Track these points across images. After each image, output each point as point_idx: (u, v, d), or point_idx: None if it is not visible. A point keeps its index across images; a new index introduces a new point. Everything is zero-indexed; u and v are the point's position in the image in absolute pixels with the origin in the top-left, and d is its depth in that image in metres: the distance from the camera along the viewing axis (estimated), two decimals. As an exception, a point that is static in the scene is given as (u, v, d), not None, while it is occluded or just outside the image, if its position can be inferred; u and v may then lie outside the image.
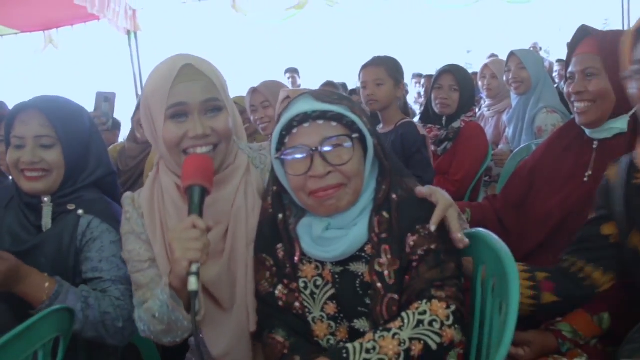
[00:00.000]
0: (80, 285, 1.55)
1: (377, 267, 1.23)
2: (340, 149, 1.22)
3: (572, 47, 1.78)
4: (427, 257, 1.21)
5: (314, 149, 1.21)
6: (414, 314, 1.14)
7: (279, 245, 1.33)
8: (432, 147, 2.94)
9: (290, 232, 1.32)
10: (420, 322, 1.13)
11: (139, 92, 6.86)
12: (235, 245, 1.39)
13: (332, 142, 1.22)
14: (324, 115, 1.22)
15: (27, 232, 1.64)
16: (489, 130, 3.81)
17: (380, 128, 2.84)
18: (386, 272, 1.22)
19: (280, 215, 1.33)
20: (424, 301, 1.15)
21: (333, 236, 1.26)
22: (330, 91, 1.34)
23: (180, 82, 1.31)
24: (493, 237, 1.26)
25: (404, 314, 1.15)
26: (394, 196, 1.27)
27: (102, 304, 1.48)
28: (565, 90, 1.79)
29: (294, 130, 1.24)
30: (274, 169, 1.32)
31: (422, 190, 1.27)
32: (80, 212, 1.60)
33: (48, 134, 1.58)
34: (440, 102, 3.02)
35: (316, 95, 1.26)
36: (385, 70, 2.72)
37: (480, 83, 3.89)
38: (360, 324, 1.26)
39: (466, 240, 1.22)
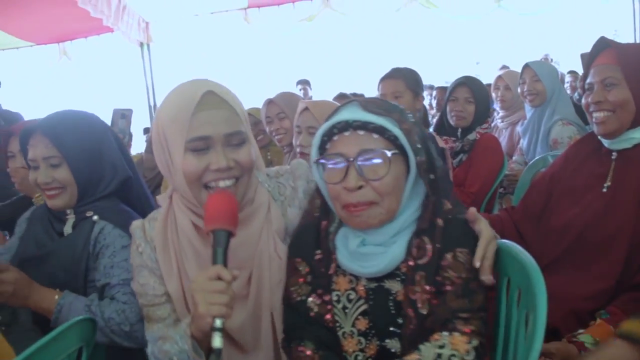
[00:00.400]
0: (91, 290, 1.63)
1: (410, 295, 1.20)
2: (376, 163, 1.19)
3: (591, 58, 1.78)
4: (456, 284, 1.18)
5: (349, 159, 1.19)
6: (433, 346, 1.11)
7: (318, 252, 1.31)
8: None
9: (330, 242, 1.29)
10: (438, 355, 1.10)
11: (151, 103, 6.93)
12: (260, 289, 1.36)
13: (369, 155, 1.19)
14: (365, 126, 1.19)
15: (50, 238, 1.74)
16: (502, 142, 3.80)
17: None
18: (419, 303, 1.19)
19: (325, 222, 1.31)
20: (446, 333, 1.12)
21: (370, 252, 1.24)
22: (382, 101, 1.31)
23: (201, 111, 1.25)
24: (518, 248, 1.26)
25: (422, 347, 1.12)
26: (440, 221, 1.24)
27: (106, 310, 1.53)
28: (583, 101, 1.79)
29: (335, 137, 1.23)
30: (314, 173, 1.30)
31: (469, 215, 1.24)
32: (95, 218, 1.66)
33: (54, 154, 1.65)
34: (456, 115, 3.01)
35: (364, 104, 1.22)
36: (403, 82, 2.72)
37: (493, 94, 3.89)
38: (392, 343, 1.23)
39: (493, 280, 1.20)
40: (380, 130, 1.19)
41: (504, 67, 5.88)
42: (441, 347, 1.10)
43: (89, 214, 1.67)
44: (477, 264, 1.18)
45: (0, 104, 4.34)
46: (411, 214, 1.26)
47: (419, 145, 1.23)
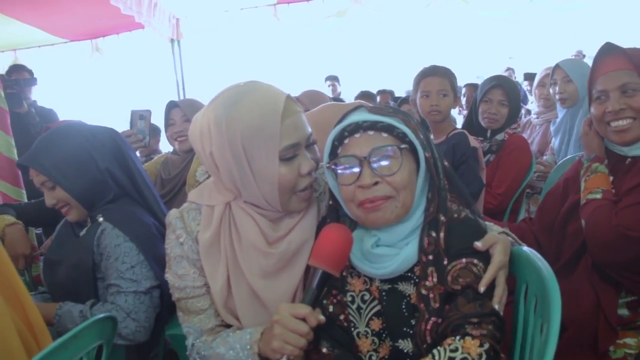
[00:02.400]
0: (101, 288, 1.71)
1: (423, 291, 1.21)
2: (389, 160, 1.21)
3: (597, 64, 1.72)
4: (467, 290, 1.17)
5: (362, 158, 1.21)
6: (445, 350, 1.10)
7: None
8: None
9: None
10: (451, 359, 1.10)
11: (181, 98, 7.00)
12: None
13: (381, 152, 1.21)
14: (374, 126, 1.22)
15: (70, 241, 1.83)
16: (536, 138, 3.74)
17: (431, 139, 2.80)
18: (431, 295, 1.20)
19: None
20: (457, 337, 1.11)
21: (383, 253, 1.25)
22: (386, 105, 1.34)
23: (287, 117, 1.25)
24: (536, 256, 1.25)
25: (435, 351, 1.12)
26: (442, 218, 1.25)
27: (96, 314, 1.56)
28: (594, 111, 1.72)
29: (346, 141, 1.25)
30: (327, 178, 1.31)
31: (479, 245, 1.22)
32: (100, 219, 1.72)
33: (45, 179, 1.73)
34: (489, 117, 2.96)
35: (370, 108, 1.27)
36: (448, 81, 2.69)
37: (537, 92, 3.80)
38: (404, 344, 1.24)
39: (502, 308, 1.19)
40: (389, 129, 1.22)
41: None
42: (453, 350, 1.10)
43: (99, 217, 1.73)
44: (482, 289, 1.17)
45: (36, 100, 4.45)
46: (422, 211, 1.27)
47: (424, 141, 1.26)
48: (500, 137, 2.96)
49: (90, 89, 8.86)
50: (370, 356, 1.27)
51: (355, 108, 1.29)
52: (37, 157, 1.72)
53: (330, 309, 1.29)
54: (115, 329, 1.40)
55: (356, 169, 1.21)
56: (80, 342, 1.20)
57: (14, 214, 2.33)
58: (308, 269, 1.28)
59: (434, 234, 1.23)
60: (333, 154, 1.28)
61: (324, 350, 1.25)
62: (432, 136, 2.81)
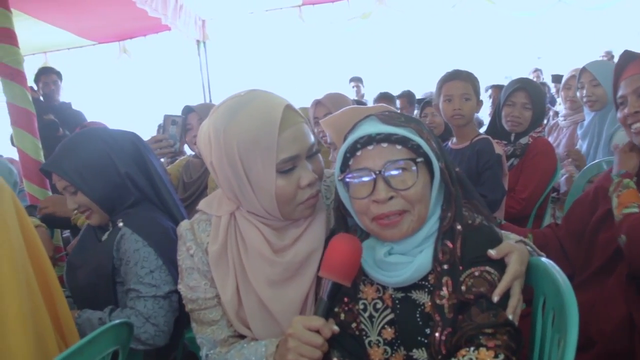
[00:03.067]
0: (120, 292, 1.73)
1: (437, 300, 1.18)
2: (404, 173, 1.18)
3: (619, 72, 1.76)
4: (481, 300, 1.15)
5: (377, 172, 1.18)
6: None
7: None
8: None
9: None
10: None
11: (207, 100, 7.06)
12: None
13: (396, 166, 1.18)
14: (388, 138, 1.18)
15: (92, 244, 1.85)
16: (562, 140, 3.67)
17: (454, 143, 2.78)
18: (446, 305, 1.17)
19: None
20: (472, 349, 1.09)
21: (396, 261, 1.22)
22: (397, 113, 1.30)
23: (286, 129, 1.22)
24: (554, 268, 1.21)
25: None
26: (459, 227, 1.22)
27: (115, 320, 1.58)
28: (619, 115, 1.77)
29: (358, 153, 1.22)
30: (337, 191, 1.29)
31: (493, 253, 1.19)
32: (120, 224, 1.73)
33: (67, 184, 1.75)
34: (512, 121, 2.91)
35: (382, 117, 1.23)
36: (470, 85, 2.64)
37: (563, 94, 3.73)
38: (419, 354, 1.21)
39: (516, 318, 1.16)
40: (403, 141, 1.19)
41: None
42: None
43: (119, 222, 1.74)
44: (496, 299, 1.14)
45: (70, 103, 4.53)
46: (435, 220, 1.25)
47: (438, 152, 1.24)
48: (524, 140, 2.91)
49: (117, 90, 8.98)
50: None
51: (366, 117, 1.26)
52: (59, 163, 1.74)
53: (342, 316, 1.28)
54: (131, 335, 1.41)
55: (370, 183, 1.19)
56: (96, 347, 1.21)
57: (39, 216, 2.39)
58: (318, 279, 1.27)
59: (449, 244, 1.21)
60: (344, 165, 1.26)
61: (334, 359, 1.24)
62: (454, 140, 2.79)
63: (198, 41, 6.86)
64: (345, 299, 1.28)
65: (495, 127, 3.07)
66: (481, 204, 1.33)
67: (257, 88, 1.32)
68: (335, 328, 1.18)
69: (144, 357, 1.69)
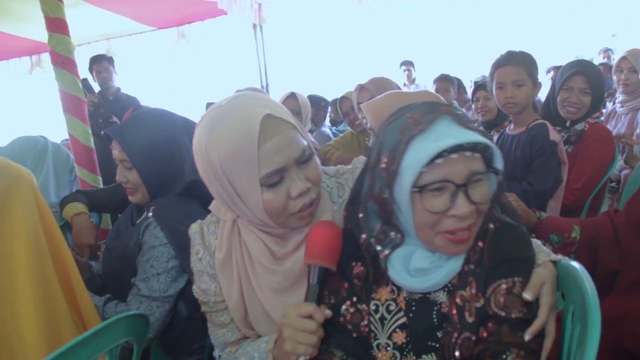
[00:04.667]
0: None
1: (458, 300, 1.12)
2: (482, 185, 1.08)
3: None
4: (512, 321, 1.07)
5: (459, 185, 1.05)
6: None
7: (354, 264, 1.24)
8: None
9: (379, 260, 1.19)
10: None
11: (263, 84, 7.10)
12: None
13: (479, 178, 1.07)
14: (474, 147, 1.06)
15: (125, 228, 1.85)
16: (620, 129, 3.46)
17: (511, 129, 2.66)
18: (467, 308, 1.11)
19: (364, 236, 1.18)
20: None
21: (429, 267, 1.14)
22: (464, 113, 1.16)
23: (266, 141, 1.14)
24: (584, 274, 1.11)
25: None
26: (491, 226, 1.15)
27: (108, 312, 1.63)
28: None
29: (438, 160, 1.04)
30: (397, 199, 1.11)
31: (529, 297, 1.08)
32: (150, 214, 1.71)
33: (125, 158, 1.73)
34: (569, 106, 2.73)
35: (458, 118, 1.10)
36: (524, 69, 2.48)
37: (615, 77, 3.52)
38: (428, 359, 1.15)
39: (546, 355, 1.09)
40: (483, 149, 1.08)
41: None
42: None
43: (150, 210, 1.73)
44: (527, 337, 1.05)
45: (120, 88, 4.65)
46: None
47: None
48: (579, 126, 2.73)
49: (175, 75, 9.17)
50: None
51: (439, 115, 1.09)
52: (125, 134, 1.73)
53: (348, 316, 1.22)
54: (147, 327, 1.41)
55: (448, 196, 1.07)
56: (102, 340, 1.20)
57: (85, 201, 2.44)
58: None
59: (480, 243, 1.14)
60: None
61: (335, 359, 1.20)
62: (512, 126, 2.67)
63: (254, 25, 6.87)
64: (354, 298, 1.23)
65: (549, 112, 2.88)
66: (508, 202, 1.24)
67: (240, 94, 1.23)
68: (328, 312, 1.17)
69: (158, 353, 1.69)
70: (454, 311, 1.12)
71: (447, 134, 1.05)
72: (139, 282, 1.65)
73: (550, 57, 7.40)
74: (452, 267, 1.14)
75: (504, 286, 1.10)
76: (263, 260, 1.29)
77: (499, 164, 1.10)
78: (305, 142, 1.22)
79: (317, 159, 1.26)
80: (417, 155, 1.05)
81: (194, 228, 1.41)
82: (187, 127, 1.81)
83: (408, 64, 6.96)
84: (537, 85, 2.56)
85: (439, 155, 1.04)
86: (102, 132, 1.88)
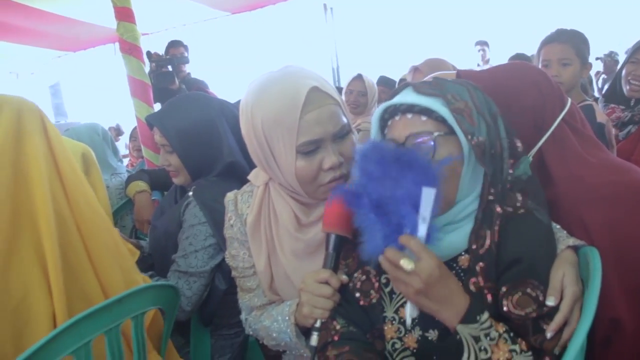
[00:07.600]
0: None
1: (472, 287, 1.10)
2: (425, 148, 1.11)
3: None
4: (526, 322, 1.05)
5: (400, 145, 1.13)
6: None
7: None
8: (613, 131, 2.52)
9: None
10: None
11: (334, 66, 7.12)
12: None
13: (416, 139, 1.11)
14: (411, 109, 1.13)
15: (169, 206, 1.94)
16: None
17: None
18: (486, 291, 1.09)
19: None
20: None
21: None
22: (442, 80, 1.21)
23: (309, 112, 1.22)
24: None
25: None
26: (498, 209, 1.13)
27: None
28: None
29: (389, 123, 1.19)
30: None
31: (551, 304, 1.06)
32: (190, 193, 1.78)
33: (166, 143, 1.81)
34: (633, 80, 2.52)
35: (417, 86, 1.17)
36: (572, 47, 2.37)
37: None
38: (433, 334, 1.15)
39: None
40: (428, 112, 1.12)
41: None
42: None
43: (191, 190, 1.79)
44: (549, 335, 1.04)
45: (190, 73, 4.81)
46: (471, 200, 1.15)
47: (477, 125, 1.12)
48: (645, 105, 2.56)
49: (246, 60, 9.33)
50: (394, 343, 1.19)
51: (403, 85, 1.21)
52: (164, 119, 1.81)
53: (358, 284, 1.25)
54: (177, 297, 1.49)
55: None
56: (126, 306, 1.28)
57: (147, 180, 2.59)
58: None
59: (486, 228, 1.12)
60: (382, 135, 1.23)
61: (338, 327, 1.22)
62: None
63: (325, 5, 6.87)
64: (366, 268, 1.25)
65: (614, 90, 2.71)
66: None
67: (292, 65, 1.32)
68: (344, 277, 1.23)
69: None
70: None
71: (394, 100, 1.16)
72: (179, 258, 1.72)
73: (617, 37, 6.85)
74: (449, 243, 1.13)
75: (520, 290, 1.07)
76: (289, 225, 1.36)
77: (454, 126, 1.09)
78: (345, 120, 1.29)
79: (354, 138, 1.32)
80: (372, 121, 1.22)
81: (228, 196, 1.50)
82: (224, 109, 1.88)
83: (482, 44, 6.75)
84: (586, 66, 2.42)
85: (387, 118, 1.19)
86: (145, 118, 1.96)
